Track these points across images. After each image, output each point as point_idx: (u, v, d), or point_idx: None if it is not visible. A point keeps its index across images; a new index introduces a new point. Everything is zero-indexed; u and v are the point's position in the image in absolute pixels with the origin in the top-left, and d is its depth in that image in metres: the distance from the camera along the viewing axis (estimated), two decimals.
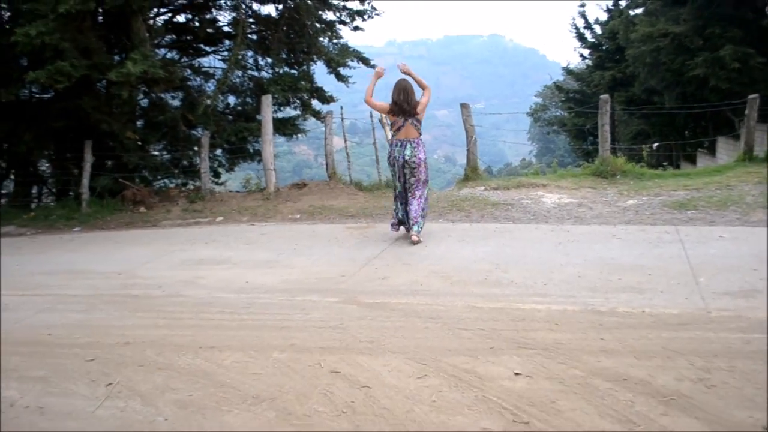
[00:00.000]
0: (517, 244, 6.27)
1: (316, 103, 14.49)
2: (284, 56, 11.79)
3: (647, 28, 19.51)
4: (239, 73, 12.50)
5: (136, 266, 6.79)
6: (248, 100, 12.47)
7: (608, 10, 31.93)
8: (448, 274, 5.39)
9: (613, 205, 7.85)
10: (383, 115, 10.01)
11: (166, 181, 12.71)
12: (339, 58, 11.12)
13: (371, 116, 10.08)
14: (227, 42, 13.43)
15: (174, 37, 13.58)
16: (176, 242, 7.95)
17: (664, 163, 16.94)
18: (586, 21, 33.03)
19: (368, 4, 12.23)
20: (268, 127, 9.83)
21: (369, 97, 6.80)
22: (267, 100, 9.78)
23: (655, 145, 16.30)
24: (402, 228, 7.00)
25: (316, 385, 3.42)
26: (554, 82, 38.12)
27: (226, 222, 9.20)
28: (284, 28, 11.12)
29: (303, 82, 10.88)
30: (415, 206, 6.73)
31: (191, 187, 11.64)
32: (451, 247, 6.36)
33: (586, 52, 33.36)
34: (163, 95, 11.22)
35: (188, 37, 13.67)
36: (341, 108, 10.73)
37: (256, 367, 3.75)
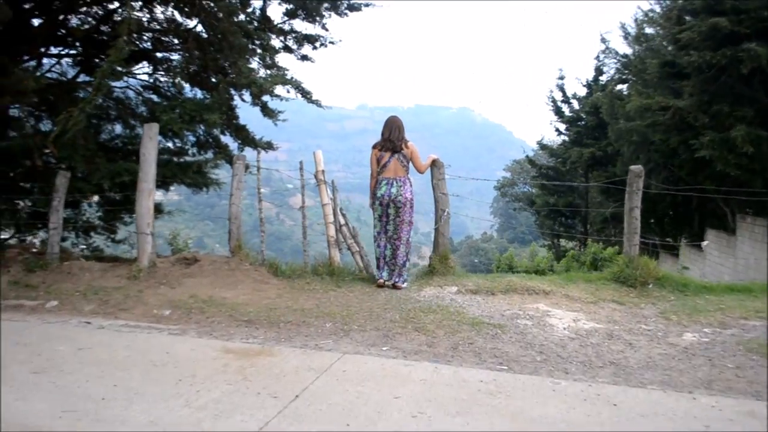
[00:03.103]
0: None
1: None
2: (193, 75, 8.72)
3: (644, 100, 17.13)
4: (131, 94, 9.45)
5: None
6: (140, 131, 9.27)
7: (587, 85, 30.14)
8: None
9: (664, 340, 4.87)
10: (320, 169, 7.00)
11: (30, 236, 9.35)
12: (265, 84, 8.02)
13: (301, 169, 7.02)
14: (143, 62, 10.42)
15: (79, 48, 10.43)
16: None
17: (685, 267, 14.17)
18: (564, 94, 31.18)
19: (320, 26, 9.38)
20: (149, 170, 6.68)
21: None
22: (150, 131, 6.65)
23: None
24: (384, 273, 6.64)
25: None
26: (527, 156, 35.93)
27: (60, 310, 5.91)
28: (197, 39, 8.17)
29: (213, 114, 7.76)
30: (401, 254, 6.56)
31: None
32: None
33: (562, 126, 31.32)
34: (19, 114, 7.99)
35: (92, 51, 10.55)
36: (258, 153, 7.58)
37: None
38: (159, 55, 10.63)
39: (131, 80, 10.82)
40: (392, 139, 6.55)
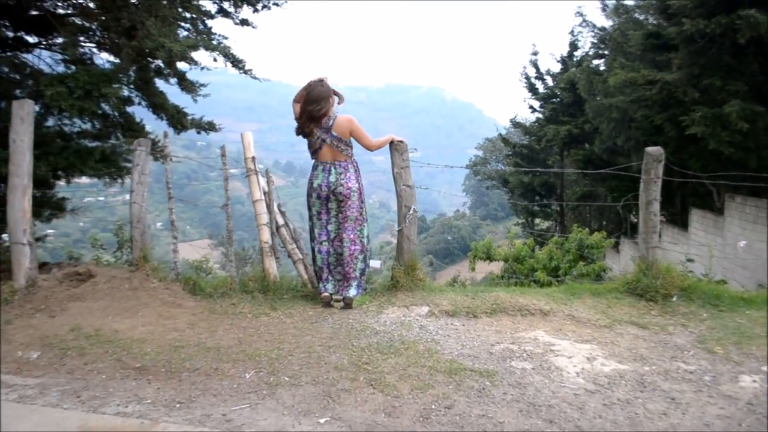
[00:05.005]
0: None
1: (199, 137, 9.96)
2: (107, 42, 7.03)
3: (629, 74, 15.77)
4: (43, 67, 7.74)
5: None
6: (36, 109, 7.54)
7: (561, 60, 28.86)
8: None
9: (716, 390, 3.48)
10: (249, 156, 5.43)
11: None
12: (175, 48, 6.29)
13: (223, 156, 5.44)
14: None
15: None
16: None
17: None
18: (538, 70, 29.88)
19: None
20: (21, 160, 5.05)
21: (297, 101, 5.11)
22: (22, 110, 5.01)
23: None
24: (329, 285, 5.19)
25: None
26: (500, 135, 34.63)
27: None
28: None
29: (110, 87, 6.10)
30: (346, 256, 5.09)
31: None
32: None
33: (536, 104, 30.03)
34: None
35: (4, 22, 8.80)
36: (165, 135, 5.92)
37: None
38: (79, 22, 8.92)
39: (44, 52, 9.13)
40: (312, 113, 4.91)
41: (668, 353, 3.99)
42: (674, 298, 4.96)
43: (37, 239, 9.86)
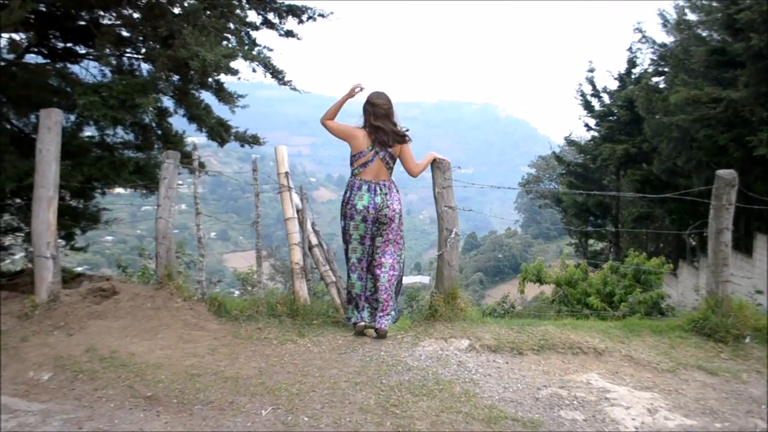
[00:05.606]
0: None
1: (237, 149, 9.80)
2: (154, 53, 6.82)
3: (692, 91, 15.02)
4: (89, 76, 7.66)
5: None
6: (71, 118, 7.38)
7: (619, 78, 27.97)
8: None
9: None
10: (282, 171, 5.12)
11: None
12: (209, 57, 6.04)
13: (255, 171, 5.15)
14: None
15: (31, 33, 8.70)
16: None
17: None
18: (594, 88, 29.02)
19: None
20: (47, 171, 4.87)
21: (328, 118, 4.75)
22: (49, 120, 4.84)
23: None
24: (365, 313, 4.75)
25: None
26: (553, 153, 33.80)
27: None
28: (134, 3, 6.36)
29: (145, 98, 5.90)
30: (384, 282, 4.65)
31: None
32: None
33: (592, 122, 29.13)
34: None
35: (54, 33, 8.84)
36: (194, 147, 5.66)
37: None
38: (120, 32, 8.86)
39: (92, 63, 9.12)
40: (385, 129, 4.58)
41: (743, 407, 3.47)
42: (747, 340, 4.41)
43: (79, 248, 9.89)
